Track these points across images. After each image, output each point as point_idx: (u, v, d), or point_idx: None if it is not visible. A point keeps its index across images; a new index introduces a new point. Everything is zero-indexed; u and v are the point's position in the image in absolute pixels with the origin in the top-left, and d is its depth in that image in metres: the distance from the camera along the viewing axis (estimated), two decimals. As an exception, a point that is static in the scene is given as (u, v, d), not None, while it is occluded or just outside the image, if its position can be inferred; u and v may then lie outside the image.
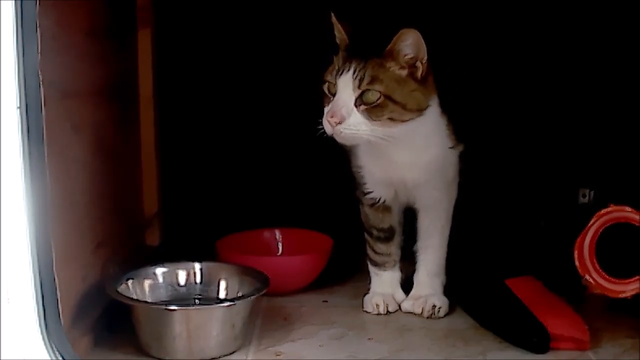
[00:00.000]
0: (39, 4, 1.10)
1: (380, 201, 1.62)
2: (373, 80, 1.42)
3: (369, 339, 1.51)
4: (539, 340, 1.44)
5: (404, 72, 1.44)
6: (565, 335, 1.45)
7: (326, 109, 1.43)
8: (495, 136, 1.86)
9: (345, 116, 1.41)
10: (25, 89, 1.09)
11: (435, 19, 1.83)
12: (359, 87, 1.41)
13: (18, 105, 1.09)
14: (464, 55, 1.66)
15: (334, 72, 1.44)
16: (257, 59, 1.99)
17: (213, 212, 2.00)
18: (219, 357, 1.42)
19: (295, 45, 1.97)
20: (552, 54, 1.91)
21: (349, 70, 1.42)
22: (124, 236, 1.70)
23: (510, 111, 1.91)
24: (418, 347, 1.48)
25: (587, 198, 1.83)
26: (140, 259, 1.70)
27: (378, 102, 1.42)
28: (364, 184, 1.61)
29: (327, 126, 1.42)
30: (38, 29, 1.09)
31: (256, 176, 2.03)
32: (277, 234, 1.87)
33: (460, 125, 1.55)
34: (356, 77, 1.42)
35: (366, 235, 1.67)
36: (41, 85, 1.10)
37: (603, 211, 1.61)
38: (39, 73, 1.10)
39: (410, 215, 1.67)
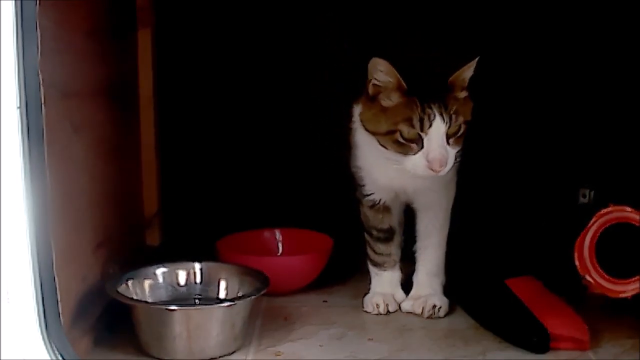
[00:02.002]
0: (39, 4, 1.10)
1: (380, 202, 1.62)
2: (457, 115, 1.42)
3: (369, 339, 1.51)
4: (539, 340, 1.44)
5: (465, 93, 1.46)
6: (565, 335, 1.45)
7: (416, 157, 1.42)
8: (495, 136, 1.86)
9: (447, 159, 1.42)
10: (25, 89, 1.09)
11: (436, 19, 1.83)
12: (449, 127, 1.42)
13: (18, 105, 1.09)
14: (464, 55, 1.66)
15: (415, 122, 1.40)
16: (257, 59, 1.99)
17: (213, 212, 2.00)
18: (219, 357, 1.43)
19: (295, 46, 1.97)
20: (552, 54, 1.91)
21: (435, 116, 1.41)
22: (124, 236, 1.70)
23: (510, 111, 1.91)
24: (418, 347, 1.48)
25: (587, 198, 1.83)
26: (140, 259, 1.70)
27: (461, 131, 1.44)
28: (364, 185, 1.61)
29: (429, 172, 1.42)
30: (38, 29, 1.09)
31: (256, 176, 2.02)
32: (277, 234, 1.87)
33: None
34: (445, 120, 1.41)
35: (366, 236, 1.67)
36: (41, 85, 1.10)
37: (603, 211, 1.60)
38: (39, 73, 1.10)
39: (409, 216, 1.68)
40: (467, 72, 1.45)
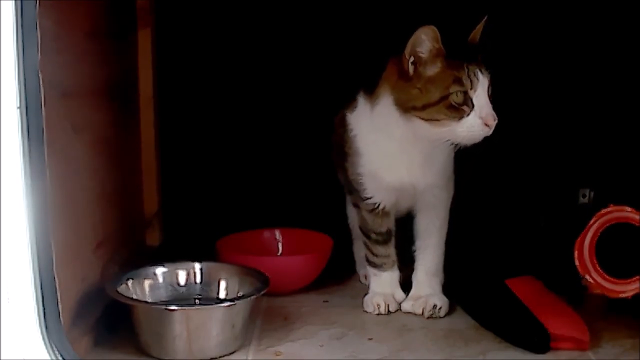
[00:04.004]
0: (39, 4, 1.10)
1: (380, 206, 1.62)
2: (489, 73, 1.46)
3: (369, 339, 1.51)
4: (539, 340, 1.44)
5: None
6: (565, 335, 1.45)
7: (469, 119, 1.43)
8: (495, 136, 1.86)
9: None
10: (25, 89, 1.09)
11: (439, 17, 1.83)
12: (488, 85, 1.45)
13: (18, 105, 1.09)
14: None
15: (465, 80, 1.43)
16: (257, 59, 1.99)
17: (213, 212, 2.00)
18: (219, 357, 1.42)
19: (295, 46, 1.97)
20: (552, 54, 1.91)
21: (477, 73, 1.44)
22: (124, 236, 1.70)
23: (510, 111, 1.91)
24: (418, 347, 1.48)
25: (587, 198, 1.83)
26: (140, 259, 1.70)
27: (491, 89, 1.46)
28: (364, 189, 1.61)
29: (485, 131, 1.44)
30: (38, 29, 1.09)
31: (256, 176, 2.03)
32: (277, 234, 1.87)
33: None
34: (485, 76, 1.45)
35: (364, 238, 1.67)
36: (41, 85, 1.10)
37: (603, 211, 1.60)
38: (39, 73, 1.10)
39: (403, 217, 1.68)
40: (479, 32, 1.50)
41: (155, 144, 1.90)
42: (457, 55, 1.45)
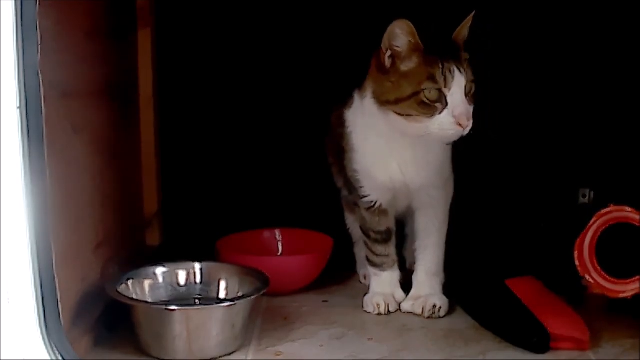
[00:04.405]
0: (39, 4, 1.10)
1: (377, 204, 1.62)
2: (469, 72, 1.45)
3: (369, 339, 1.51)
4: (539, 340, 1.44)
5: (467, 55, 1.47)
6: (565, 335, 1.45)
7: (442, 116, 1.42)
8: (495, 136, 1.86)
9: (470, 115, 1.43)
10: (25, 89, 1.09)
11: (435, 14, 1.83)
12: (466, 84, 1.43)
13: (18, 105, 1.09)
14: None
15: (438, 77, 1.42)
16: (257, 59, 1.99)
17: (213, 212, 2.00)
18: (219, 357, 1.42)
19: (295, 45, 1.97)
20: (551, 54, 1.91)
21: (454, 70, 1.42)
22: (124, 236, 1.70)
23: (510, 111, 1.91)
24: (418, 347, 1.48)
25: (587, 198, 1.83)
26: (140, 259, 1.70)
27: (473, 89, 1.45)
28: (361, 187, 1.61)
29: (457, 130, 1.42)
30: (38, 29, 1.09)
31: (256, 176, 2.02)
32: (277, 234, 1.87)
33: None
34: (463, 74, 1.43)
35: (364, 238, 1.67)
36: (41, 85, 1.10)
37: (603, 211, 1.61)
38: (39, 73, 1.10)
39: (404, 219, 1.69)
40: (466, 29, 1.48)
41: (155, 144, 1.90)
42: (437, 52, 1.44)
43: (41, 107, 1.10)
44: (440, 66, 1.42)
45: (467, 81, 1.43)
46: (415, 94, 1.43)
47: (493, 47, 1.87)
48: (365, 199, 1.61)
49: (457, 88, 1.42)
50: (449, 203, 1.63)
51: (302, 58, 1.97)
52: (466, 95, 1.43)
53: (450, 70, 1.42)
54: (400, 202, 1.63)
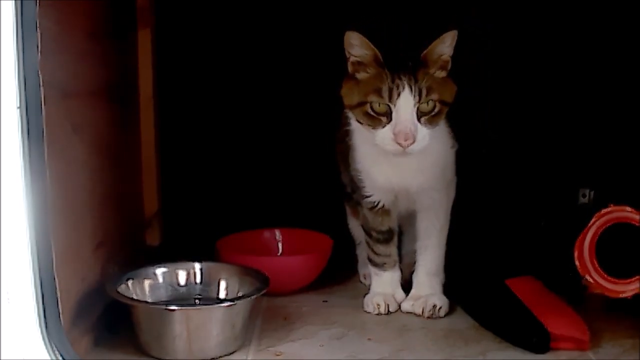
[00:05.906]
0: (39, 4, 1.10)
1: (379, 204, 1.62)
2: (429, 91, 1.42)
3: (369, 339, 1.51)
4: (539, 340, 1.44)
5: (444, 73, 1.46)
6: (565, 335, 1.45)
7: (384, 131, 1.42)
8: (495, 136, 1.86)
9: (415, 134, 1.41)
10: (25, 89, 1.09)
11: (430, 19, 1.84)
12: (419, 101, 1.42)
13: (18, 105, 1.09)
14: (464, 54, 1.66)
15: (384, 92, 1.42)
16: (257, 59, 1.99)
17: (213, 212, 2.00)
18: (219, 357, 1.43)
19: (295, 46, 1.97)
20: (551, 54, 1.91)
21: (404, 87, 1.41)
22: (124, 236, 1.69)
23: (510, 111, 1.91)
24: (418, 347, 1.48)
25: (587, 198, 1.83)
26: (140, 259, 1.70)
27: (435, 110, 1.43)
28: (363, 187, 1.61)
29: (396, 147, 1.42)
30: (38, 29, 1.09)
31: (256, 176, 2.03)
32: (277, 234, 1.87)
33: (459, 124, 1.56)
34: (414, 93, 1.41)
35: (366, 237, 1.67)
36: (41, 85, 1.10)
37: (603, 211, 1.61)
38: (39, 73, 1.10)
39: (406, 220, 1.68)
40: (441, 46, 1.45)
41: (155, 144, 1.90)
42: (395, 67, 1.43)
43: (41, 107, 1.10)
44: (389, 81, 1.42)
45: (420, 100, 1.42)
46: (361, 104, 1.45)
47: (493, 48, 1.88)
48: (368, 199, 1.62)
49: (404, 105, 1.41)
50: (450, 205, 1.63)
51: (302, 58, 1.97)
52: (424, 114, 1.42)
53: (398, 87, 1.41)
54: (402, 203, 1.63)
